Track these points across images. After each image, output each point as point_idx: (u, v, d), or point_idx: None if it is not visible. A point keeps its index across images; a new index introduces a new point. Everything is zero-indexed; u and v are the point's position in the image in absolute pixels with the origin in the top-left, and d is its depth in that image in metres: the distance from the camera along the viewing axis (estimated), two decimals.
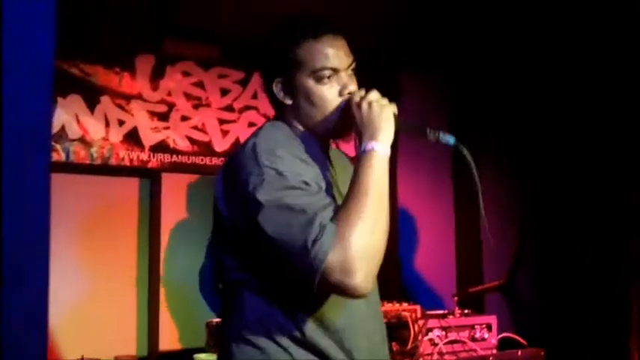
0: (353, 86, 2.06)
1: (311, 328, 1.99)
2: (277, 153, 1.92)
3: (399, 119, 2.02)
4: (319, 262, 1.78)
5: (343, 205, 1.88)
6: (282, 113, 2.11)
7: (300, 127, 2.10)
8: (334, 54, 2.03)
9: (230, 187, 1.98)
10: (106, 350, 4.11)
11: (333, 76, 2.04)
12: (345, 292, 1.83)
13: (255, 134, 2.03)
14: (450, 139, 2.02)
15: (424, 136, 2.02)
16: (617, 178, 4.74)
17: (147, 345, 4.52)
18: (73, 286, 4.31)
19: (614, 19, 4.51)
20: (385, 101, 2.02)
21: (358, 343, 2.05)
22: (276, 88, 2.07)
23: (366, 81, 2.11)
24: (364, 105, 1.98)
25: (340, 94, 2.05)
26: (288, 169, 1.90)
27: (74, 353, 4.08)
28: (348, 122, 2.03)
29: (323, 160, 2.10)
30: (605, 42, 4.64)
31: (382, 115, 1.97)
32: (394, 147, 2.00)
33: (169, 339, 4.55)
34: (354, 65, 2.10)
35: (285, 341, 1.98)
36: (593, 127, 4.86)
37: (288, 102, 2.07)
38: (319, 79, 2.03)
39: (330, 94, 2.04)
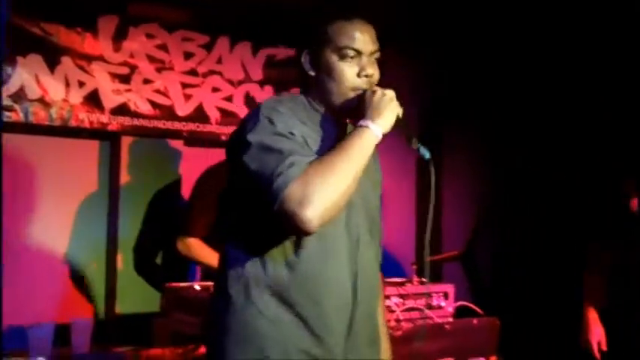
0: (372, 70, 2.19)
1: (283, 282, 2.09)
2: (278, 108, 2.11)
3: (400, 119, 2.17)
4: (279, 190, 1.93)
5: (321, 156, 2.03)
6: (304, 87, 2.25)
7: (318, 101, 2.23)
8: (360, 37, 2.18)
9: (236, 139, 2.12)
10: (63, 314, 4.09)
11: (355, 57, 2.18)
12: (296, 223, 1.93)
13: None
14: (426, 154, 2.19)
15: (408, 143, 2.19)
16: (570, 160, 4.82)
17: (104, 309, 4.51)
18: (31, 248, 4.26)
19: (588, 12, 4.57)
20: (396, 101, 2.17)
21: (330, 299, 2.14)
22: (304, 59, 2.21)
23: None
24: (378, 92, 2.14)
25: (358, 75, 2.18)
26: (282, 120, 2.08)
27: (29, 317, 4.05)
28: (360, 106, 2.16)
29: (334, 133, 2.20)
30: (578, 38, 4.70)
31: (389, 106, 2.13)
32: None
33: (127, 303, 4.53)
34: (378, 54, 2.24)
35: (257, 293, 2.09)
36: (555, 115, 4.94)
37: (312, 74, 2.21)
38: (342, 57, 2.17)
39: (349, 73, 2.18)
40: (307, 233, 1.98)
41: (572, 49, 4.82)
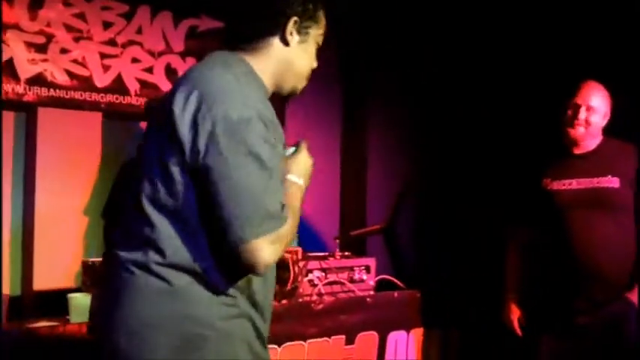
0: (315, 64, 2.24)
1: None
2: (264, 102, 2.02)
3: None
4: (252, 236, 1.89)
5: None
6: (250, 51, 2.12)
7: (261, 73, 2.13)
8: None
9: (201, 112, 1.92)
10: None
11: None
12: (248, 269, 1.96)
13: (229, 70, 2.03)
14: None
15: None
16: (491, 138, 4.90)
17: (20, 284, 4.41)
18: None
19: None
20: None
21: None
22: (291, 26, 2.12)
23: None
24: (310, 160, 2.22)
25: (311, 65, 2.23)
26: (271, 122, 1.99)
27: None
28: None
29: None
30: (503, 20, 4.77)
31: (309, 169, 2.19)
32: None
33: (44, 278, 4.43)
34: None
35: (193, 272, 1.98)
36: (478, 95, 5.01)
37: (294, 44, 2.14)
38: (317, 44, 2.21)
39: (313, 60, 2.22)
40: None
41: (496, 31, 4.87)
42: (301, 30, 2.13)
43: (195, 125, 1.90)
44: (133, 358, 1.97)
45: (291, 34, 2.12)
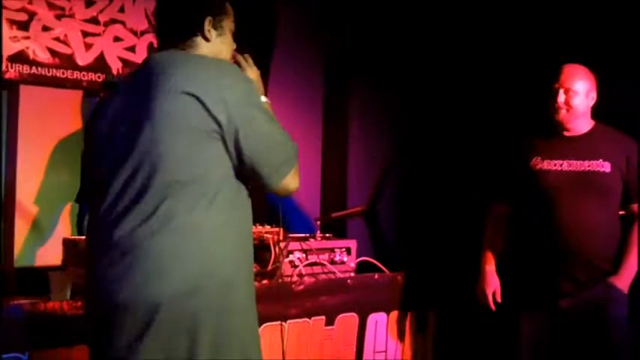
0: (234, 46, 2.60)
1: None
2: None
3: None
4: (285, 175, 2.40)
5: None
6: (193, 48, 2.43)
7: None
8: None
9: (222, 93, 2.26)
10: None
11: None
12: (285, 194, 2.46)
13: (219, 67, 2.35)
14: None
15: None
16: (472, 119, 4.92)
17: (1, 261, 4.39)
18: None
19: None
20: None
21: None
22: (208, 25, 2.43)
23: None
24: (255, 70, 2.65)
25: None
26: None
27: None
28: None
29: None
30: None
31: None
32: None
33: (25, 256, 4.43)
34: None
35: None
36: (458, 75, 5.01)
37: (214, 38, 2.46)
38: (232, 30, 2.54)
39: (232, 44, 2.57)
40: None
41: (485, 8, 4.87)
42: (216, 25, 2.46)
43: (218, 104, 2.22)
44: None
45: (209, 31, 2.44)
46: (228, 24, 2.51)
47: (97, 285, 2.22)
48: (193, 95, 2.20)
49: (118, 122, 2.28)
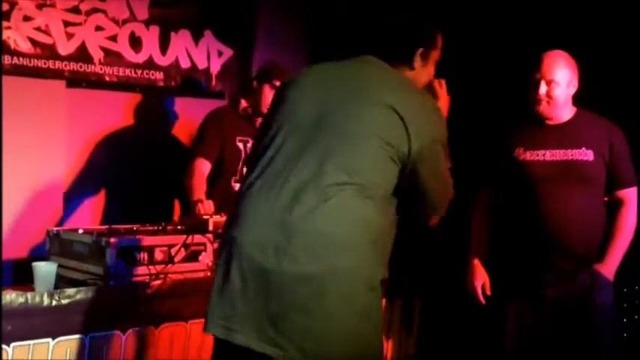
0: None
1: None
2: None
3: None
4: (441, 211, 2.71)
5: None
6: (398, 68, 2.61)
7: None
8: None
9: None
10: None
11: None
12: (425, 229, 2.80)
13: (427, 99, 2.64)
14: None
15: None
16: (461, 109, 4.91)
17: None
18: None
19: None
20: None
21: None
22: (418, 56, 2.64)
23: None
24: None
25: None
26: None
27: None
28: None
29: None
30: None
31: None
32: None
33: (8, 247, 4.40)
34: None
35: None
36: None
37: (418, 68, 2.65)
38: (436, 61, 2.75)
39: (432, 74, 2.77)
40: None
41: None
42: (425, 57, 2.65)
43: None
44: None
45: (416, 62, 2.64)
46: (435, 56, 2.69)
47: None
48: (401, 117, 2.40)
49: (312, 111, 2.47)
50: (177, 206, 4.98)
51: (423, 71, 2.67)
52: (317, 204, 2.33)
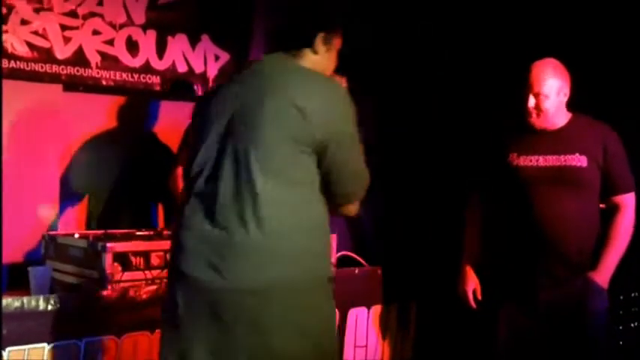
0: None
1: None
2: None
3: None
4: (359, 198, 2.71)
5: None
6: (302, 57, 2.63)
7: None
8: None
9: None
10: None
11: None
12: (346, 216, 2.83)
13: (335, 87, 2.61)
14: None
15: None
16: (452, 113, 4.93)
17: None
18: None
19: None
20: None
21: None
22: (320, 40, 2.64)
23: None
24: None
25: None
26: None
27: None
28: None
29: None
30: None
31: None
32: None
33: (6, 251, 4.39)
34: None
35: None
36: (438, 69, 5.02)
37: (322, 53, 2.65)
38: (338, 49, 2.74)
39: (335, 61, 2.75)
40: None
41: (465, 5, 4.89)
42: (327, 42, 2.65)
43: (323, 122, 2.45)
44: None
45: (319, 46, 2.63)
46: (337, 41, 2.70)
47: None
48: (302, 110, 2.40)
49: (225, 121, 2.49)
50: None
51: (327, 57, 2.67)
52: (252, 214, 2.37)
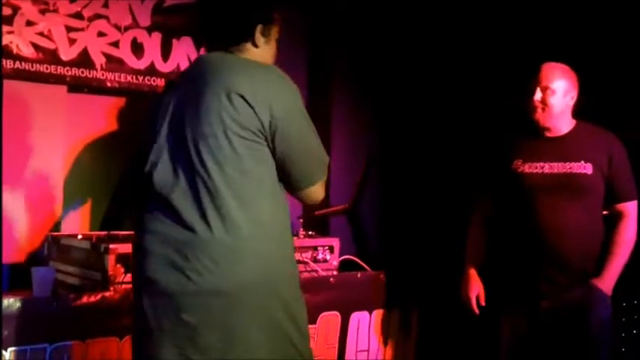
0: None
1: None
2: None
3: None
4: (318, 180, 2.64)
5: None
6: (243, 51, 2.64)
7: None
8: None
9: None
10: None
11: None
12: (306, 203, 2.80)
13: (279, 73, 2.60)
14: None
15: None
16: (456, 116, 4.93)
17: None
18: None
19: None
20: None
21: None
22: (259, 32, 2.65)
23: None
24: None
25: None
26: None
27: None
28: None
29: None
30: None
31: None
32: None
33: (7, 251, 4.39)
34: None
35: None
36: (442, 71, 5.01)
37: (262, 45, 2.67)
38: (277, 39, 2.75)
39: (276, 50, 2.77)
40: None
41: (468, 7, 4.89)
42: (265, 33, 2.66)
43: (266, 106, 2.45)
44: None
45: (258, 38, 2.65)
46: (275, 33, 2.71)
47: None
48: (242, 97, 2.41)
49: (172, 119, 2.52)
50: None
51: (267, 49, 2.69)
52: (213, 211, 2.37)
